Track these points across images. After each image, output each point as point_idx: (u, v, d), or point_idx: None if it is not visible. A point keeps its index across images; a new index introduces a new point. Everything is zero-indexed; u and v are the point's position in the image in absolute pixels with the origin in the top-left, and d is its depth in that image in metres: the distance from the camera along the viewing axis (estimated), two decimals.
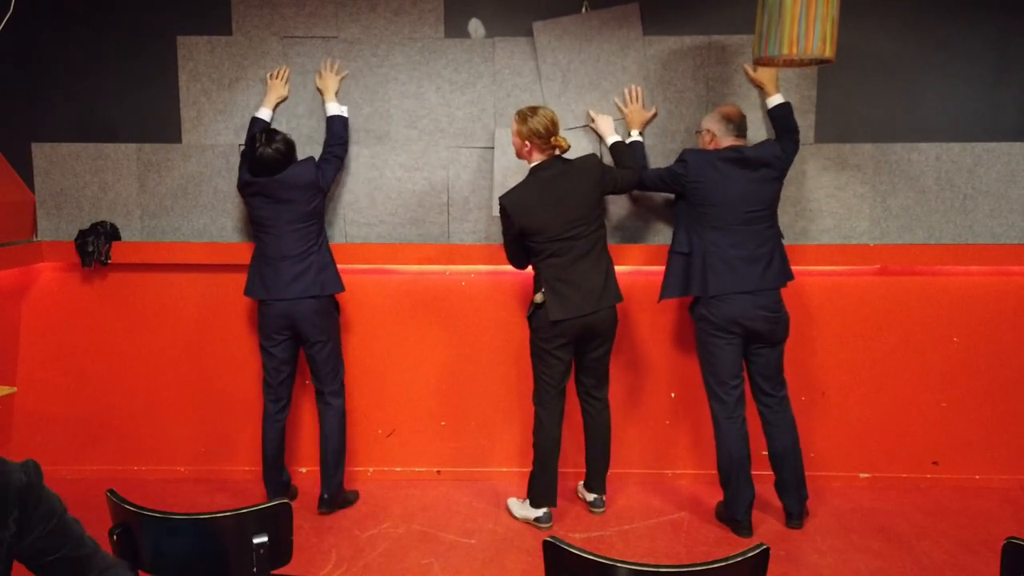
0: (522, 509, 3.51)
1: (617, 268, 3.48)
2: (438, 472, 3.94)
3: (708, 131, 3.37)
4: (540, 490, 3.42)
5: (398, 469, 3.94)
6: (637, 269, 3.75)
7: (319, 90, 3.73)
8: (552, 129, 3.25)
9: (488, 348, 3.87)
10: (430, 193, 3.80)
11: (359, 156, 3.77)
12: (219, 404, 3.93)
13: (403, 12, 3.71)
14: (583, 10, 3.65)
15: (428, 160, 3.78)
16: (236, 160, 3.76)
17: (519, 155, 3.36)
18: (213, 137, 3.79)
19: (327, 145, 3.62)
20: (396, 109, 3.76)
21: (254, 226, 3.51)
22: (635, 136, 3.63)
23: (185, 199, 3.83)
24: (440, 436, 3.93)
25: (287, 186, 3.40)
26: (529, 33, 3.69)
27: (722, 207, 3.29)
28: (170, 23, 3.73)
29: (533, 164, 3.31)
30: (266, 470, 3.61)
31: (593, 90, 3.70)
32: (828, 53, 2.90)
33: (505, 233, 3.34)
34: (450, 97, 3.75)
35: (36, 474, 1.64)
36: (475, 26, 3.73)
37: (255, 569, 1.91)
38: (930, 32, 3.64)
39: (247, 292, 3.53)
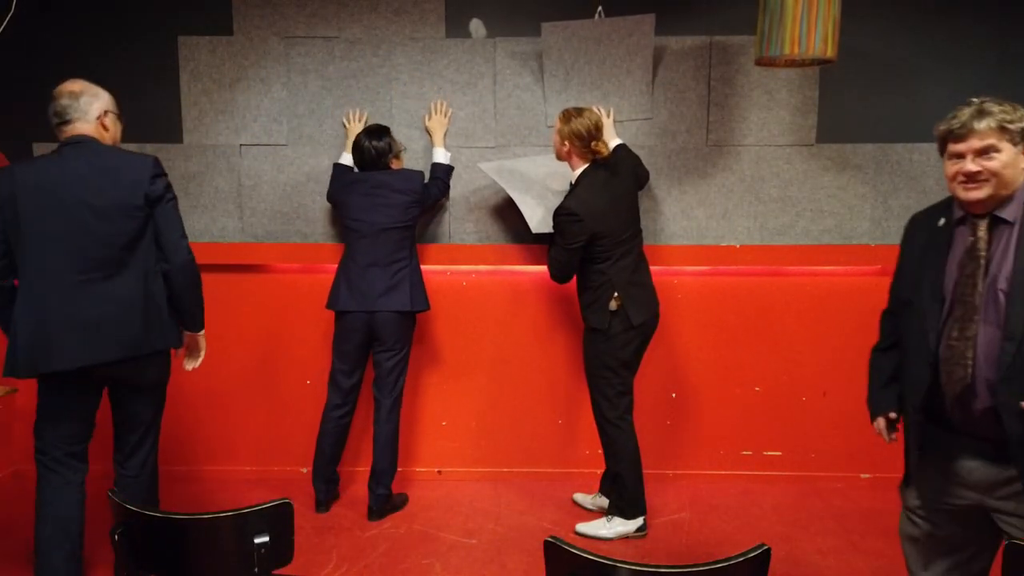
0: (620, 526, 3.32)
1: None
2: (438, 472, 3.94)
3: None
4: (637, 500, 3.32)
5: (399, 469, 3.93)
6: None
7: (427, 130, 3.72)
8: (594, 134, 3.14)
9: (489, 348, 3.87)
10: None
11: None
12: (220, 404, 3.93)
13: (404, 12, 3.71)
14: (597, 15, 3.64)
15: (429, 160, 3.78)
16: (236, 160, 3.78)
17: (558, 156, 3.26)
18: (214, 137, 3.79)
19: (433, 178, 3.60)
20: (397, 109, 3.76)
21: (346, 231, 3.47)
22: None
23: (186, 199, 3.83)
24: (440, 436, 3.93)
25: (393, 189, 3.38)
26: (531, 33, 3.69)
27: None
28: (171, 23, 3.74)
29: (581, 169, 3.19)
30: (320, 467, 3.55)
31: (594, 90, 3.70)
32: (830, 53, 2.90)
33: (570, 242, 3.13)
34: (451, 97, 3.75)
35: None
36: (476, 26, 3.72)
37: (256, 569, 1.90)
38: (930, 32, 3.64)
39: (331, 304, 3.46)
